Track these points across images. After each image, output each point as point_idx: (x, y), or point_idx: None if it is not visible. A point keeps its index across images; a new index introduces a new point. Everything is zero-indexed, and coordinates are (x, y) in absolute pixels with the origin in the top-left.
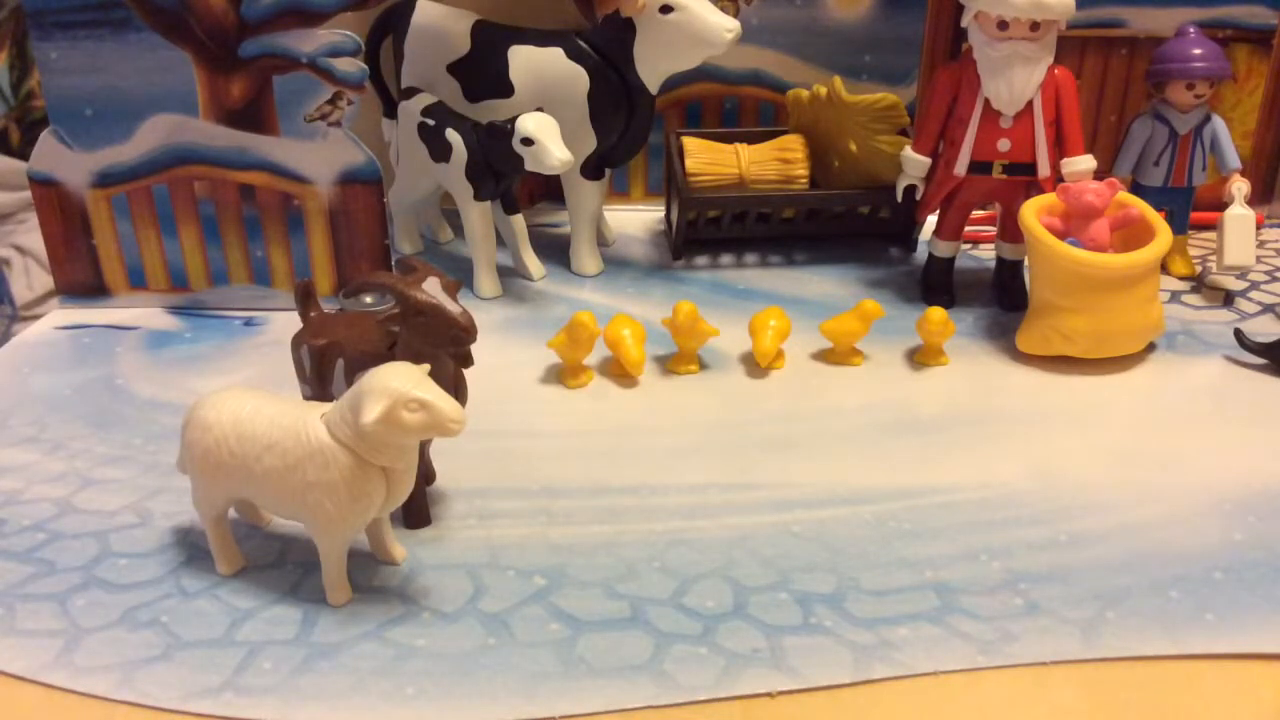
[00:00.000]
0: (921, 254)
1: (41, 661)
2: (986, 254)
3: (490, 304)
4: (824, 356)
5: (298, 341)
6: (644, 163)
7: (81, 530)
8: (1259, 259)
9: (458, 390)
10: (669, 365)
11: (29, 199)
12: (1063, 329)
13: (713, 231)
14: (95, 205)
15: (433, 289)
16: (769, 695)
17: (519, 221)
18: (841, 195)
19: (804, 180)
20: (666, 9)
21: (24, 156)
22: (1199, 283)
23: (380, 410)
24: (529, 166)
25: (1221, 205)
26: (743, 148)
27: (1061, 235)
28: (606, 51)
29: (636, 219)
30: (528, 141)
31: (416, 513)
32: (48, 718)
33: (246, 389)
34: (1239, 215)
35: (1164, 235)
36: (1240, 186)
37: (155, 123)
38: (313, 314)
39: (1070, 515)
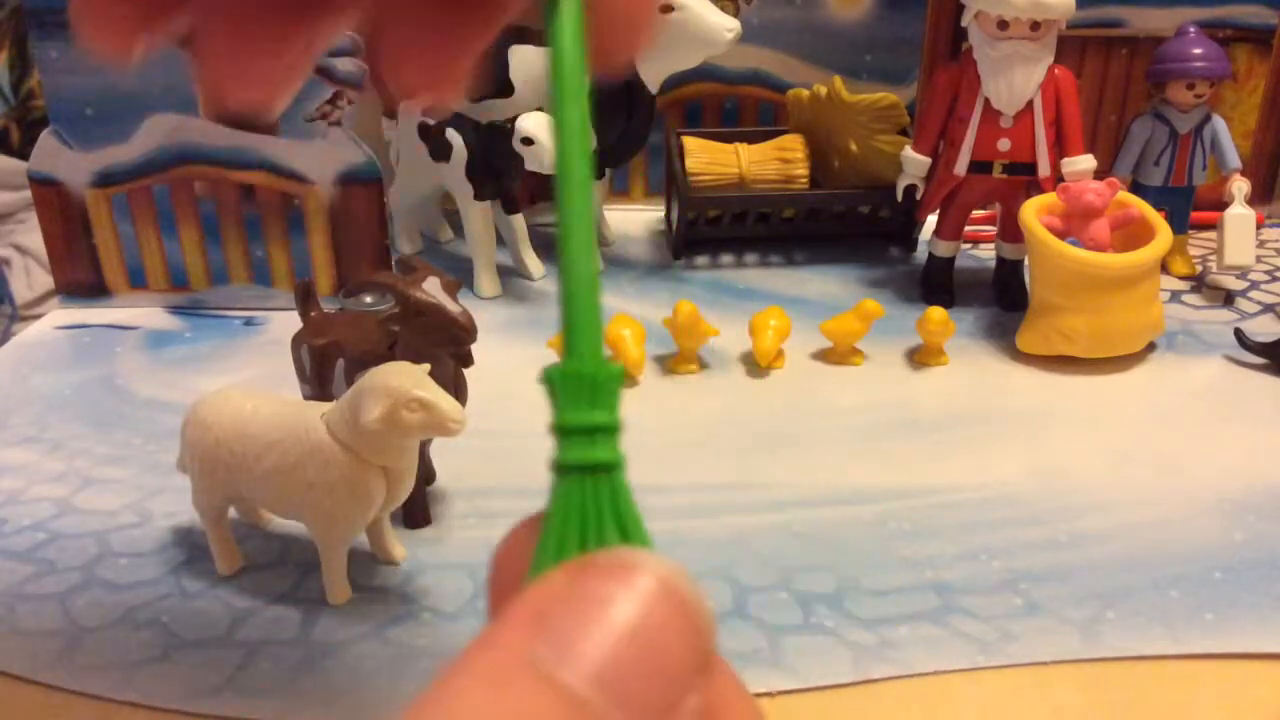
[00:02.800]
0: (921, 254)
1: (42, 661)
2: (986, 254)
3: (490, 304)
4: (824, 356)
5: (298, 341)
6: (644, 162)
7: (82, 530)
8: (1259, 258)
9: (458, 390)
10: (669, 365)
11: (29, 198)
12: (1063, 328)
13: (713, 231)
14: (95, 205)
15: (433, 289)
16: (769, 695)
17: (519, 221)
18: (841, 195)
19: (804, 180)
20: (667, 8)
21: (24, 156)
22: (1199, 282)
23: (380, 410)
24: (529, 166)
25: (1222, 205)
26: (743, 147)
27: (1061, 235)
28: None
29: (636, 219)
30: (528, 141)
31: (416, 512)
32: (48, 717)
33: (247, 389)
34: (1239, 215)
35: (1164, 235)
36: (1240, 186)
37: (155, 122)
38: (313, 314)
39: (1070, 515)
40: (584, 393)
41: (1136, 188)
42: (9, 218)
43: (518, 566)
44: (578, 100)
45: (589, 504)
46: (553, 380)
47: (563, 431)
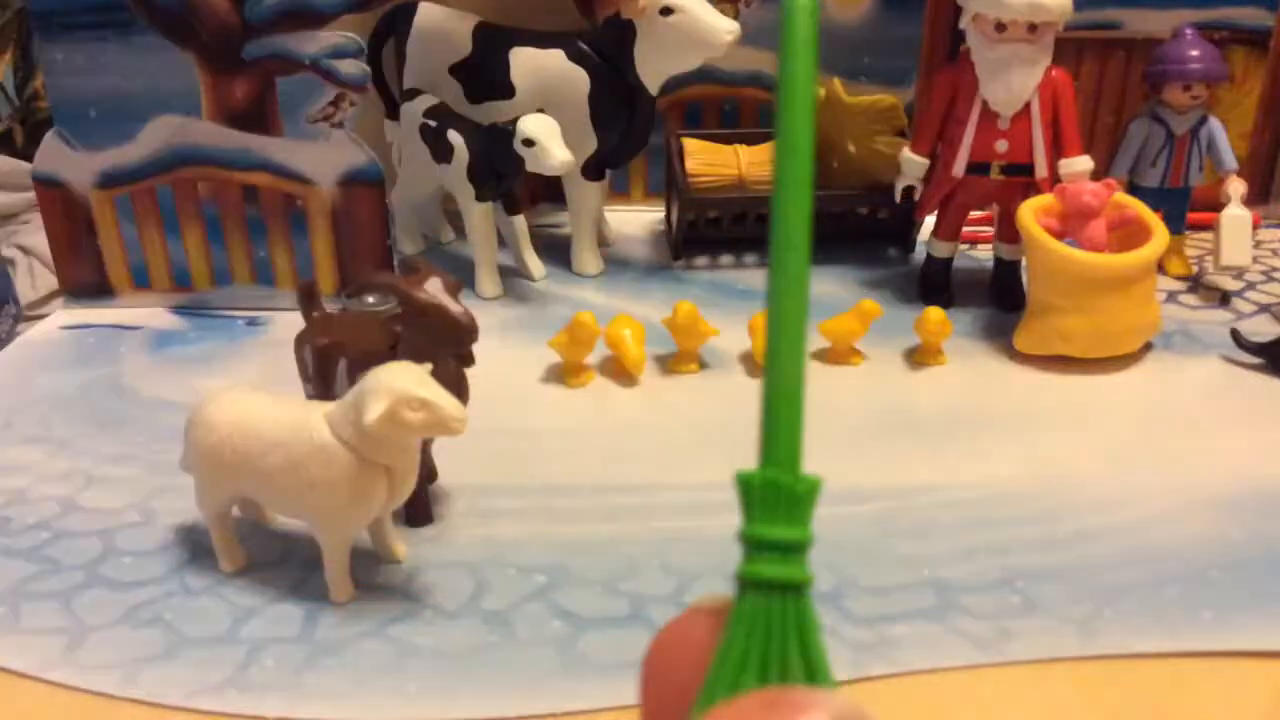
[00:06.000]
0: (920, 254)
1: (45, 659)
2: (984, 254)
3: (491, 304)
4: (823, 356)
5: (300, 341)
6: (644, 164)
7: (86, 528)
8: (1255, 259)
9: (459, 389)
10: (669, 365)
11: (33, 199)
12: (1060, 329)
13: (713, 231)
14: (99, 206)
15: (435, 289)
16: None
17: (520, 222)
18: (840, 196)
19: None
20: (667, 11)
21: (28, 157)
22: (1196, 283)
23: (382, 409)
24: (530, 167)
25: (1218, 206)
26: (742, 148)
27: (1059, 236)
28: (607, 53)
29: (636, 219)
30: (529, 143)
31: (418, 511)
32: (51, 715)
33: (250, 388)
34: (1235, 216)
35: (1161, 235)
36: (1237, 187)
37: (159, 124)
38: (315, 314)
39: (1068, 514)
40: (780, 504)
41: (1133, 189)
42: (13, 218)
43: (679, 667)
44: (804, 175)
45: (774, 626)
46: (750, 486)
47: (754, 543)
